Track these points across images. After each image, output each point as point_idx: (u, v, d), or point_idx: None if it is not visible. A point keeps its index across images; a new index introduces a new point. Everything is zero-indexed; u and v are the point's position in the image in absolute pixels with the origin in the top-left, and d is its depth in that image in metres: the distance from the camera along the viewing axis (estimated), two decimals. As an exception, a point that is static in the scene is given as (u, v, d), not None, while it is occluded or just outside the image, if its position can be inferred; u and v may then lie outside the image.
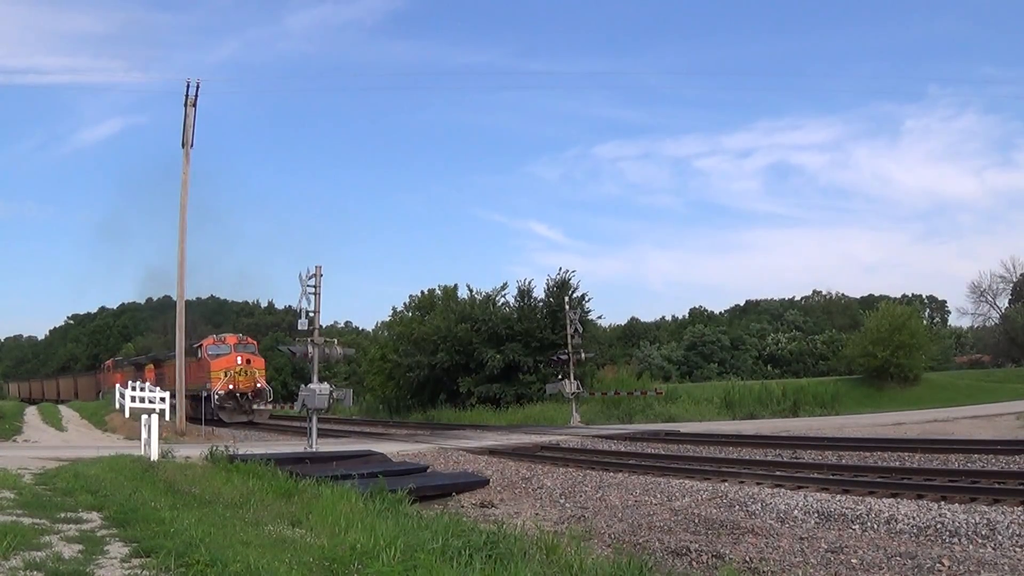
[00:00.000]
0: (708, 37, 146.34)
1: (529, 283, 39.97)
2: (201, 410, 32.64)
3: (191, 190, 25.95)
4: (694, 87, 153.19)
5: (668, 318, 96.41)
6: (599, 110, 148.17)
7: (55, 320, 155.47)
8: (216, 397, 32.42)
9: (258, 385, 34.15)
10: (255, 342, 38.14)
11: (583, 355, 29.91)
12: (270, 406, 36.54)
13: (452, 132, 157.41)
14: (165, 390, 37.34)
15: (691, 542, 8.40)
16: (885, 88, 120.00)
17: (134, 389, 29.85)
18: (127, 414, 28.01)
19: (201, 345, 35.28)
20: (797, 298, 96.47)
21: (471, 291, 43.75)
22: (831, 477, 12.65)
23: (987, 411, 26.60)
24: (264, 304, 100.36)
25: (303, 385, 18.82)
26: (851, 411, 32.41)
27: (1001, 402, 30.98)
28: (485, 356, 37.16)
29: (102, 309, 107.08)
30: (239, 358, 34.43)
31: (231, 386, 33.25)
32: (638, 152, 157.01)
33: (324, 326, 19.75)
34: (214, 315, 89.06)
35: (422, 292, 52.51)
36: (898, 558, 7.39)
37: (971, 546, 7.87)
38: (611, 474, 13.89)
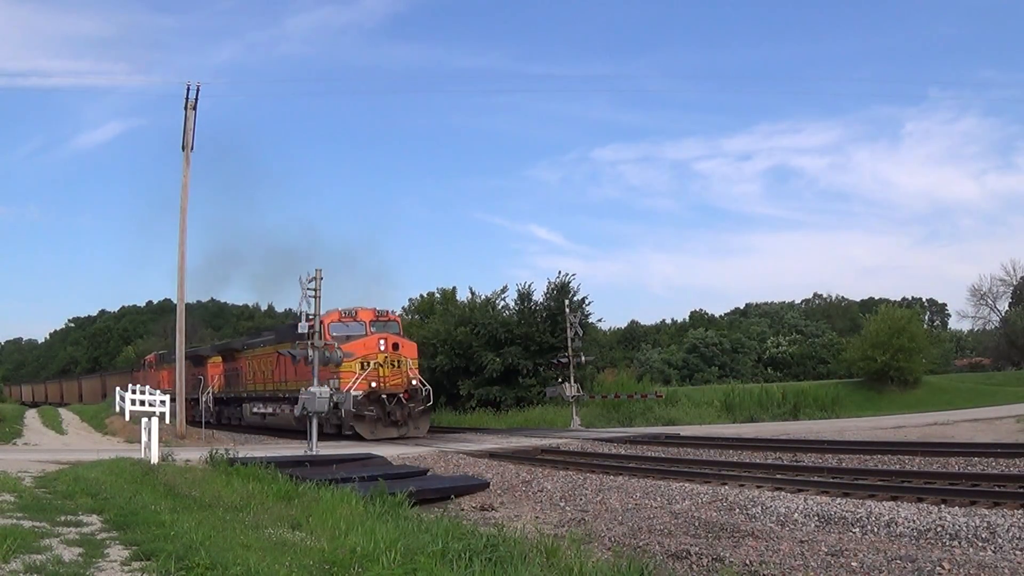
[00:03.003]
0: (708, 40, 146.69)
1: (529, 286, 40.02)
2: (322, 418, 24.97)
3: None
4: (694, 90, 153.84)
5: (668, 321, 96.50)
6: (599, 113, 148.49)
7: (55, 323, 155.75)
8: (351, 401, 22.09)
9: (413, 383, 23.61)
10: (398, 318, 26.65)
11: (583, 358, 29.91)
12: (430, 413, 25.11)
13: (452, 135, 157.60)
14: (243, 389, 31.02)
15: (691, 545, 8.40)
16: (885, 91, 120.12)
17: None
18: (127, 417, 28.02)
19: (322, 324, 22.98)
20: (797, 301, 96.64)
21: (473, 294, 43.83)
22: (831, 480, 12.66)
23: (987, 414, 26.58)
24: (264, 307, 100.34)
25: (303, 388, 18.82)
26: (851, 414, 32.41)
27: (1001, 405, 30.95)
28: (484, 359, 37.19)
29: (102, 312, 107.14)
30: (381, 342, 23.51)
31: (373, 384, 22.83)
32: (638, 155, 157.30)
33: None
34: (214, 318, 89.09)
35: (421, 295, 52.61)
36: (898, 561, 7.39)
37: (971, 549, 7.87)
38: (611, 477, 13.89)
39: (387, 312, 25.71)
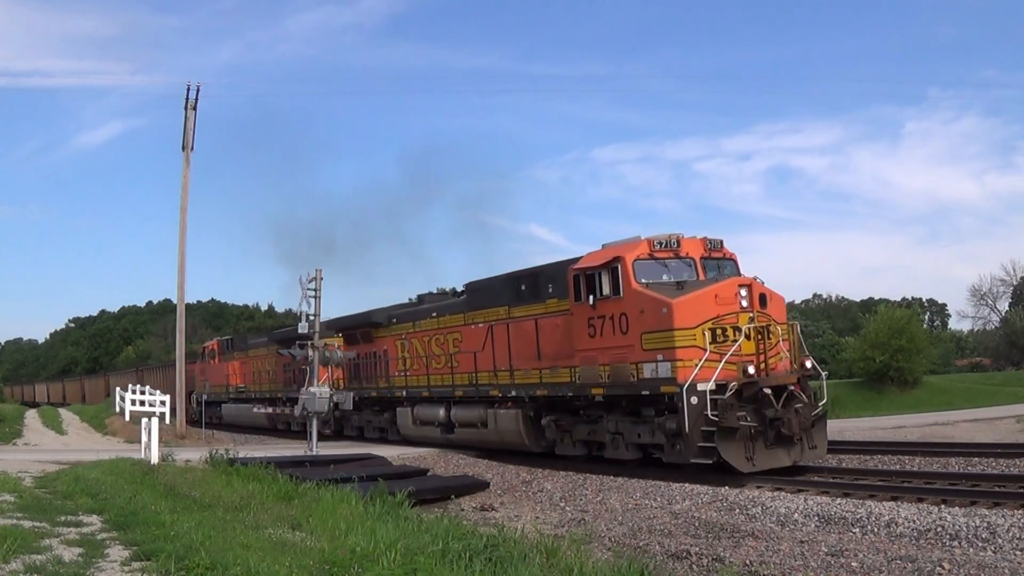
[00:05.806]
0: (708, 40, 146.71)
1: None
2: (614, 429, 14.49)
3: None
4: (694, 90, 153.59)
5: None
6: (599, 113, 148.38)
7: (55, 323, 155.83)
8: (704, 399, 12.41)
9: (807, 364, 13.55)
10: (734, 255, 14.97)
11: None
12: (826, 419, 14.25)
13: (451, 135, 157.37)
14: (390, 385, 21.15)
15: (691, 545, 8.40)
16: (885, 91, 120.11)
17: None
18: (127, 417, 28.03)
19: (618, 262, 13.87)
20: (797, 301, 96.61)
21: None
22: (831, 480, 12.66)
23: (987, 414, 26.55)
24: (264, 307, 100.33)
25: (303, 389, 18.79)
26: (851, 414, 32.33)
27: (1001, 405, 30.90)
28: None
29: (102, 312, 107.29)
30: (743, 291, 13.29)
31: (749, 370, 12.69)
32: (638, 155, 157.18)
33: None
34: (214, 318, 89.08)
35: (420, 296, 52.32)
36: (898, 561, 7.39)
37: (971, 549, 7.87)
38: (611, 477, 13.87)
39: (719, 242, 14.79)
